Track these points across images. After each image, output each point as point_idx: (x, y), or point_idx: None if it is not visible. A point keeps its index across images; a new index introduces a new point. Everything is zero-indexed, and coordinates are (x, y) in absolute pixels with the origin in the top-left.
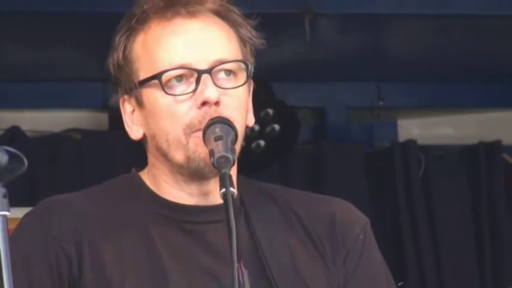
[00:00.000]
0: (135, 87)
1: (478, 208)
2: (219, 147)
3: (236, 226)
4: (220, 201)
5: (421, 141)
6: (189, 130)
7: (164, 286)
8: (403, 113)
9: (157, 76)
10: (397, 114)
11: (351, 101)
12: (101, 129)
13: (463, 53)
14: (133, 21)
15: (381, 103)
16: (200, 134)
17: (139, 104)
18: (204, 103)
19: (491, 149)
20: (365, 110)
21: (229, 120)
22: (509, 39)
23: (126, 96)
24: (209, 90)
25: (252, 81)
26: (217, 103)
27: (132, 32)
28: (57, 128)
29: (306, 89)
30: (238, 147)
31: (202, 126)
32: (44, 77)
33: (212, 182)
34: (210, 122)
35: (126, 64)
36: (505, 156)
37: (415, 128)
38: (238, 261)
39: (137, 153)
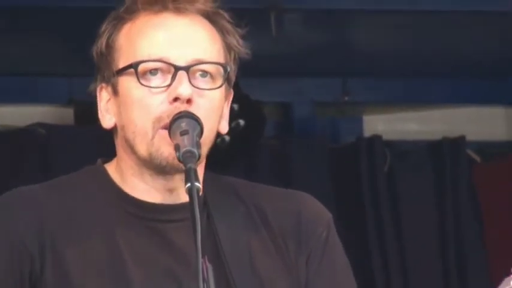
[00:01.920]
0: (113, 76)
1: (442, 204)
2: (184, 142)
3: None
4: (185, 199)
5: (386, 137)
6: (157, 124)
7: (126, 287)
8: (368, 109)
9: (133, 65)
10: (363, 109)
11: (317, 96)
12: (67, 124)
13: (428, 49)
14: (121, 11)
15: (346, 98)
16: (166, 132)
17: (115, 92)
18: (176, 99)
19: (455, 145)
20: (330, 105)
21: (195, 115)
22: (474, 35)
23: (104, 84)
24: (182, 87)
25: (231, 91)
26: (189, 101)
27: (119, 21)
28: (22, 123)
29: (272, 84)
30: (205, 149)
31: (170, 120)
32: (9, 71)
33: (177, 178)
34: (177, 116)
35: (108, 52)
36: (469, 152)
37: (380, 124)
38: (203, 256)
39: (104, 148)
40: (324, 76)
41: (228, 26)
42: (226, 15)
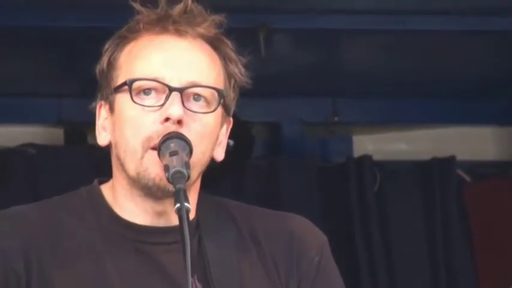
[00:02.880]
0: (111, 94)
1: (432, 224)
2: (174, 162)
3: (190, 247)
4: (176, 222)
5: (376, 157)
6: (147, 144)
7: None
8: (358, 129)
9: (128, 83)
10: (352, 129)
11: (306, 116)
12: (56, 144)
13: (418, 69)
14: (124, 30)
15: (335, 118)
16: (155, 152)
17: (112, 110)
18: (167, 119)
19: (445, 165)
20: (320, 125)
21: (184, 136)
22: (464, 55)
23: (103, 102)
24: (174, 108)
25: (230, 119)
26: (180, 122)
27: (122, 40)
28: (11, 143)
29: (261, 103)
30: (196, 172)
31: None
32: None
33: (167, 202)
34: (166, 136)
35: (109, 70)
36: (459, 172)
37: (370, 144)
38: (192, 276)
39: (92, 169)
40: (313, 96)
41: (231, 54)
42: (229, 42)
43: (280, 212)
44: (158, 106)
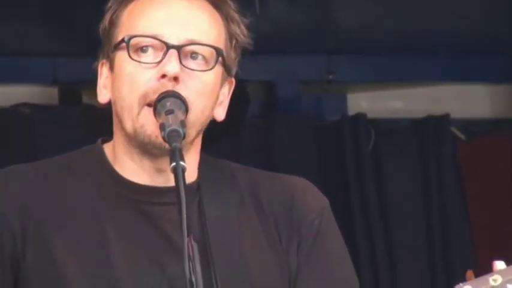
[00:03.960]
0: (111, 51)
1: (427, 181)
2: (169, 121)
3: (188, 209)
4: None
5: (370, 115)
6: (143, 100)
7: (108, 270)
8: (352, 87)
9: (125, 40)
10: (347, 87)
11: (301, 75)
12: (51, 103)
13: (412, 27)
14: None
15: (330, 76)
16: (151, 109)
17: (112, 68)
18: (164, 76)
19: (440, 123)
20: (315, 83)
21: (180, 95)
22: (458, 13)
23: (104, 60)
24: (170, 65)
25: (232, 80)
26: (176, 79)
27: None
28: (6, 103)
29: (256, 62)
30: (194, 131)
31: (156, 97)
32: None
33: (164, 160)
34: (162, 95)
35: (111, 28)
36: (454, 129)
37: (364, 102)
38: (188, 235)
39: (88, 128)
40: (308, 54)
41: (233, 14)
42: (232, 3)
43: (283, 174)
44: (155, 63)
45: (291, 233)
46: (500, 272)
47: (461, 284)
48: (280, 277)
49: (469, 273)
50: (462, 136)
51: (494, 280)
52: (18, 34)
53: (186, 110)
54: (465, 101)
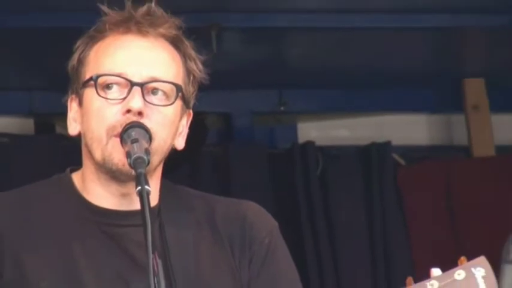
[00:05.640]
0: (80, 88)
1: (370, 203)
2: (135, 149)
3: (151, 230)
4: (138, 207)
5: (319, 143)
6: (111, 132)
7: (79, 287)
8: (302, 117)
9: (93, 78)
10: (297, 118)
11: (255, 107)
12: (27, 133)
13: (356, 62)
14: (93, 30)
15: (282, 108)
16: (118, 139)
17: (80, 103)
18: (129, 111)
19: (382, 149)
20: (268, 114)
21: (144, 125)
22: (397, 50)
23: (73, 96)
24: (134, 100)
25: (189, 111)
26: (140, 113)
27: (90, 39)
28: None
29: (213, 95)
30: (157, 158)
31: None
32: None
33: (130, 185)
34: (127, 125)
35: (79, 66)
36: (395, 155)
37: (313, 131)
38: (153, 252)
39: (61, 156)
40: (261, 88)
41: (190, 52)
42: (189, 42)
43: (236, 199)
44: (120, 99)
45: (244, 251)
46: (436, 278)
47: None
48: None
49: (409, 279)
50: (402, 161)
51: (431, 285)
52: None
53: (150, 139)
54: (405, 129)
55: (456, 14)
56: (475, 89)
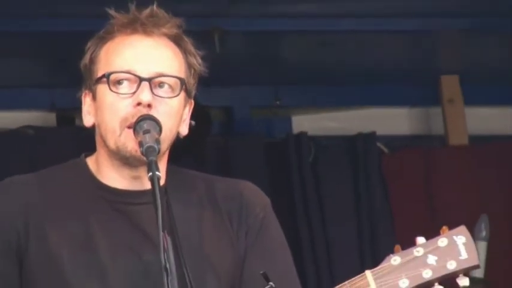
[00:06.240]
0: (93, 84)
1: (357, 188)
2: (146, 139)
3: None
4: (148, 186)
5: (311, 133)
6: (124, 123)
7: (97, 258)
8: (296, 111)
9: (106, 75)
10: (291, 111)
11: (253, 101)
12: (50, 126)
13: (345, 61)
14: (102, 31)
15: (278, 102)
16: (131, 130)
17: (94, 98)
18: (139, 103)
19: (367, 139)
20: (265, 108)
21: (155, 117)
22: (381, 51)
23: (87, 91)
24: (144, 94)
25: (191, 101)
26: (149, 105)
27: (100, 40)
28: (13, 125)
29: (216, 91)
30: (165, 146)
31: (134, 120)
32: (3, 84)
33: (141, 169)
34: (140, 118)
35: (91, 65)
36: (379, 145)
37: (306, 123)
38: (163, 230)
39: (80, 145)
40: (259, 85)
41: (190, 48)
42: (189, 39)
43: (234, 179)
44: (131, 93)
45: (241, 224)
46: (421, 245)
47: (391, 255)
48: (232, 260)
49: (397, 247)
50: (386, 150)
51: (417, 251)
52: (24, 70)
53: (160, 130)
54: (388, 121)
55: (435, 17)
56: (450, 84)
